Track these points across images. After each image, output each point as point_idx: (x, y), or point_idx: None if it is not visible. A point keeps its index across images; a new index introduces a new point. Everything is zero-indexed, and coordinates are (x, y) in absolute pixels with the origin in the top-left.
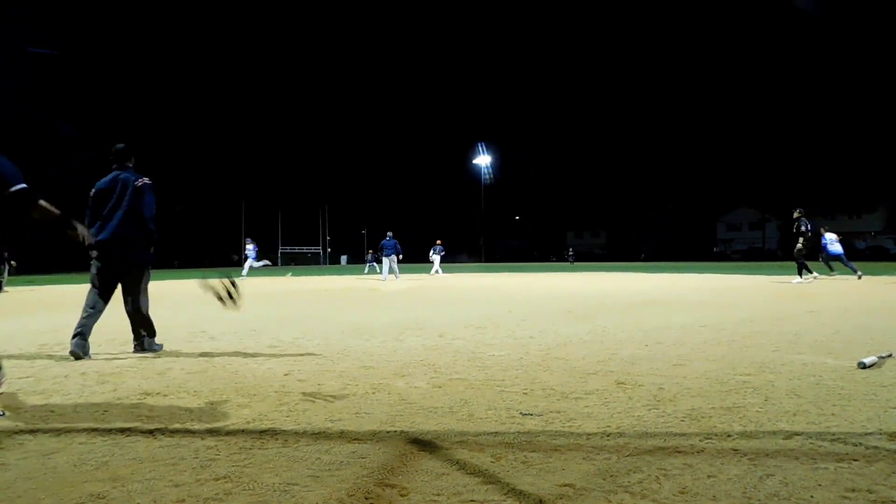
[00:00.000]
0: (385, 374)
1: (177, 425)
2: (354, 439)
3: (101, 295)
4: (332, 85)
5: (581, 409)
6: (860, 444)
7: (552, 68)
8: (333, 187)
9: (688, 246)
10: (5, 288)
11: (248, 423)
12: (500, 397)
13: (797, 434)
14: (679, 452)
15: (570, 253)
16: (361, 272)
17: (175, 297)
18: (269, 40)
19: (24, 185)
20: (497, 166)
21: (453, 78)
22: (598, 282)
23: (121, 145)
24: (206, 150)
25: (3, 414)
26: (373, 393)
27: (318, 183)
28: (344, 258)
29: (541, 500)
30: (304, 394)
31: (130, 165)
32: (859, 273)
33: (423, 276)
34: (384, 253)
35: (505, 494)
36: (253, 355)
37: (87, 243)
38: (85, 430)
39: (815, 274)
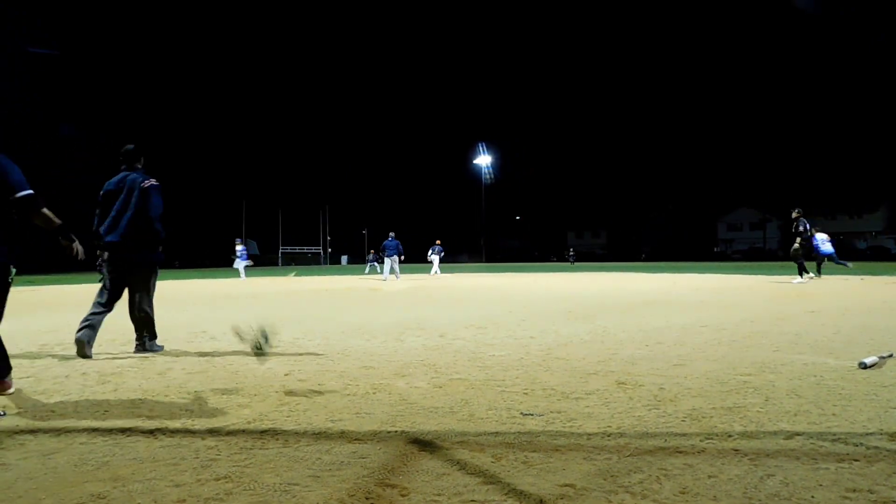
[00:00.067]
0: (386, 375)
1: (177, 425)
2: (355, 439)
3: (112, 295)
4: (332, 85)
5: (582, 410)
6: (861, 444)
7: (552, 68)
8: (334, 187)
9: (688, 246)
10: None
11: (249, 423)
12: (501, 397)
13: (798, 434)
14: (680, 452)
15: (571, 253)
16: (362, 272)
17: (176, 298)
18: (269, 40)
19: (29, 192)
20: (497, 166)
21: (453, 78)
22: (599, 282)
23: (130, 146)
24: (207, 149)
25: (4, 414)
26: (373, 393)
27: (319, 183)
28: (344, 258)
29: (541, 501)
30: (304, 394)
31: (140, 166)
32: (850, 264)
33: (424, 276)
34: (386, 253)
35: (505, 494)
36: (253, 355)
37: (79, 258)
38: (85, 430)
39: (811, 274)
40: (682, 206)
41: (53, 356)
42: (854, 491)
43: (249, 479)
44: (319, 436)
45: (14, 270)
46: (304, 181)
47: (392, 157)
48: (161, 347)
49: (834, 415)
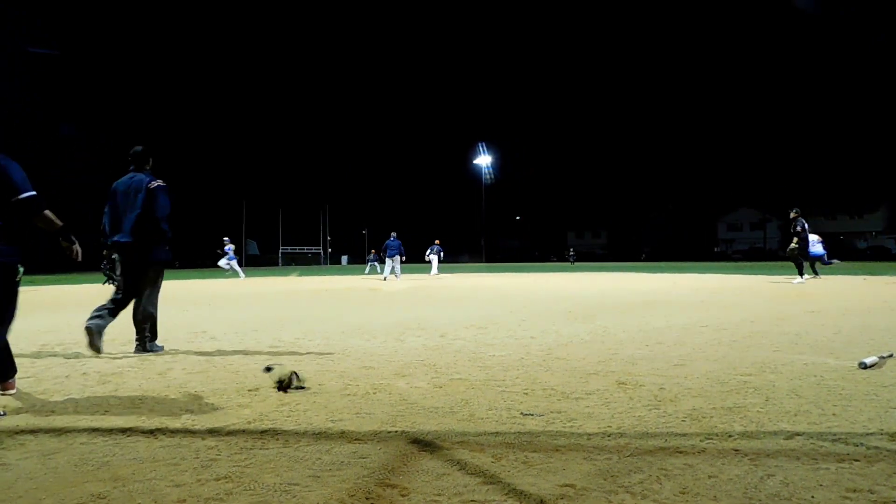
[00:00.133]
0: (386, 375)
1: (177, 425)
2: (355, 439)
3: (127, 293)
4: (332, 85)
5: (582, 410)
6: (861, 444)
7: (552, 69)
8: (334, 187)
9: (688, 246)
10: None
11: (249, 423)
12: (501, 397)
13: (798, 434)
14: (680, 453)
15: (571, 253)
16: (362, 272)
17: (176, 298)
18: (269, 40)
19: (32, 193)
20: (498, 166)
21: (454, 78)
22: (599, 282)
23: (139, 148)
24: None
25: (4, 414)
26: (374, 393)
27: (319, 183)
28: (345, 258)
29: (542, 501)
30: (304, 394)
31: (148, 168)
32: (835, 261)
33: (424, 276)
34: (388, 253)
35: (506, 495)
36: (254, 355)
37: (78, 260)
38: (86, 430)
39: (807, 275)
40: (682, 206)
41: (54, 356)
42: (854, 491)
43: (250, 479)
44: (319, 436)
45: (22, 270)
46: (304, 181)
47: (392, 157)
48: (161, 348)
49: (834, 415)
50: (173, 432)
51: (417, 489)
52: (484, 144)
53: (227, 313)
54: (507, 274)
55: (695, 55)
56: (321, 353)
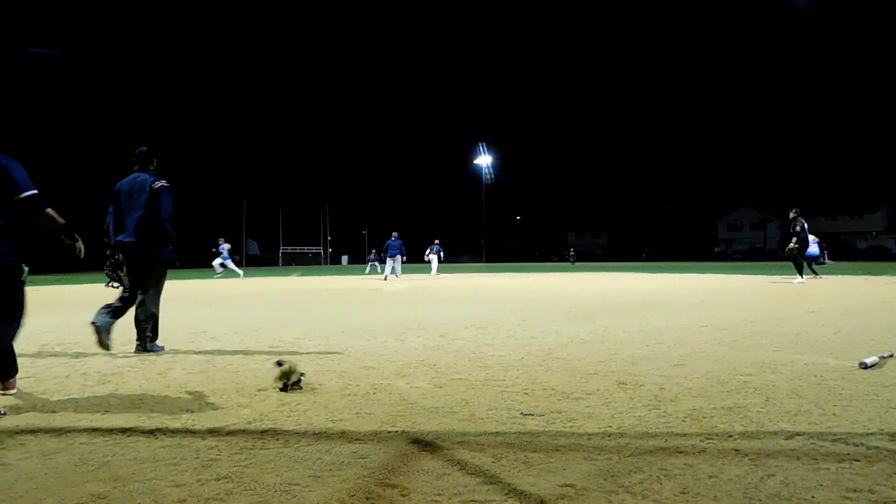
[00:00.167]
0: (386, 375)
1: (178, 425)
2: (355, 439)
3: (132, 293)
4: (332, 85)
5: (582, 410)
6: (861, 444)
7: (552, 69)
8: (334, 187)
9: (689, 246)
10: None
11: (249, 423)
12: (502, 397)
13: (798, 434)
14: (680, 452)
15: (572, 253)
16: (362, 272)
17: (176, 298)
18: (269, 40)
19: (34, 192)
20: (498, 166)
21: (454, 78)
22: (599, 282)
23: (144, 148)
24: (207, 149)
25: (4, 414)
26: (374, 393)
27: (320, 183)
28: (345, 258)
29: (542, 501)
30: (304, 394)
31: (152, 168)
32: (827, 261)
33: (425, 276)
34: (389, 253)
35: (506, 495)
36: (254, 355)
37: (81, 257)
38: (86, 430)
39: (806, 275)
40: (682, 206)
41: (54, 356)
42: (854, 491)
43: (250, 479)
44: (320, 436)
45: (27, 269)
46: (304, 181)
47: (392, 157)
48: (161, 348)
49: (834, 415)
50: (173, 432)
51: (418, 489)
52: (484, 144)
53: (227, 313)
54: (507, 274)
55: (695, 55)
56: (321, 353)
